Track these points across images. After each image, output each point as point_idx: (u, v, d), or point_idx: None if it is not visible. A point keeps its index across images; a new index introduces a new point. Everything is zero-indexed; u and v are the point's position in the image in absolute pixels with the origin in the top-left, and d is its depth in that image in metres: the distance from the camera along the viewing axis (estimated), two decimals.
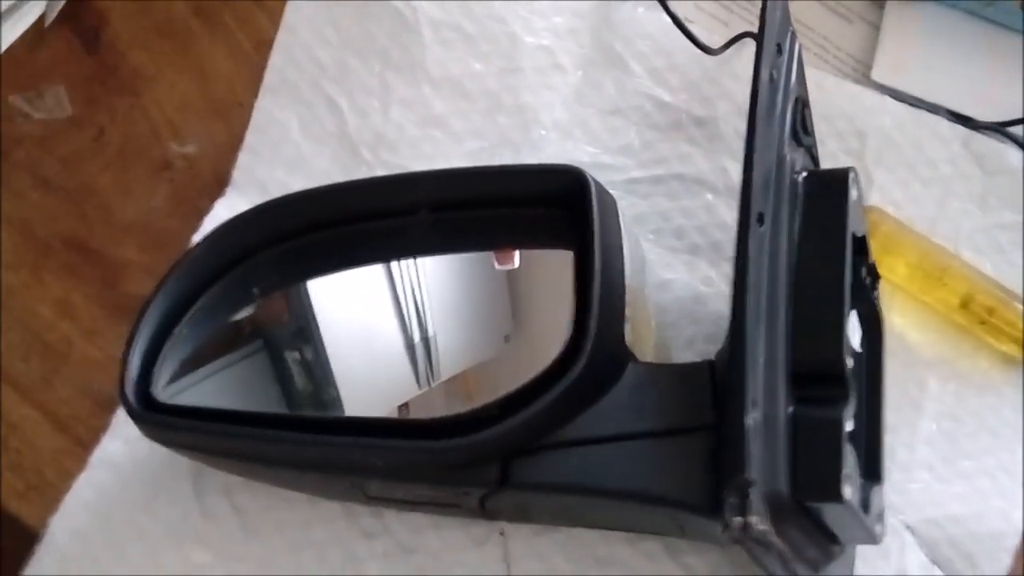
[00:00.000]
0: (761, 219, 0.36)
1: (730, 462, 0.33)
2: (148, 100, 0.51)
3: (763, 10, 0.37)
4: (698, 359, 0.45)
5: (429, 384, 0.42)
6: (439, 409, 0.42)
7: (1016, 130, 0.50)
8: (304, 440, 0.36)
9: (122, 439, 0.45)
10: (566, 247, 0.40)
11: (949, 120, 0.49)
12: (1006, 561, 0.44)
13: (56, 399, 0.47)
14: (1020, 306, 0.46)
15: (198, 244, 0.42)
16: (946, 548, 0.45)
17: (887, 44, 0.51)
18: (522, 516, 0.41)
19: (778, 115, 0.38)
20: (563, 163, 0.41)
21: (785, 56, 0.38)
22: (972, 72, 0.51)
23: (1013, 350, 0.46)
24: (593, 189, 0.39)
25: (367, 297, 0.44)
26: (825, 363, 0.35)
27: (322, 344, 0.42)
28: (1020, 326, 0.46)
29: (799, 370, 0.35)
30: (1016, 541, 0.44)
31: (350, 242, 0.43)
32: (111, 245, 0.49)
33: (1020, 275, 0.48)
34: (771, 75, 0.37)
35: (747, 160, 0.35)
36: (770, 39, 0.37)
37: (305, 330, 0.43)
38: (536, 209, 0.42)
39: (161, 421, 0.37)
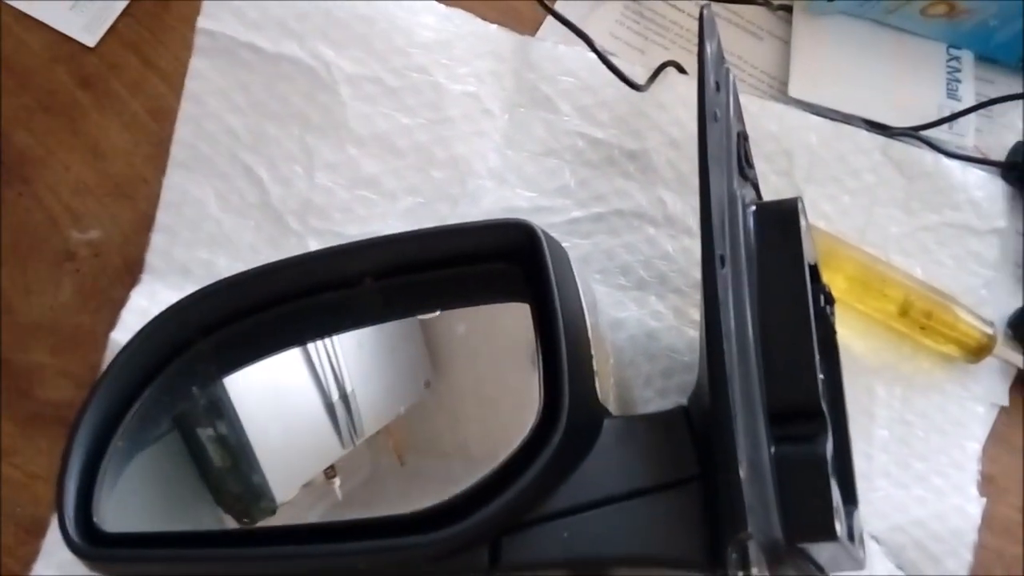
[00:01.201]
0: (723, 261, 0.35)
1: (727, 517, 0.32)
2: (40, 186, 0.47)
3: (700, 51, 0.37)
4: (659, 398, 0.46)
5: (353, 442, 0.40)
6: (366, 466, 0.40)
7: (930, 133, 0.51)
8: (279, 555, 0.33)
9: (55, 566, 0.41)
10: (520, 300, 0.39)
11: (867, 130, 0.51)
12: (967, 557, 0.46)
13: None
14: (955, 307, 0.47)
15: (126, 346, 0.38)
16: (911, 552, 0.46)
17: (799, 59, 0.52)
18: None
19: (725, 154, 0.37)
20: (508, 217, 0.40)
21: (723, 92, 0.38)
22: (883, 79, 0.52)
23: (952, 350, 0.48)
24: (544, 243, 0.38)
25: (279, 361, 0.41)
26: (802, 401, 0.35)
27: (236, 416, 0.40)
28: (958, 327, 0.47)
29: (775, 410, 0.35)
30: (974, 536, 0.46)
31: (293, 321, 0.41)
32: (17, 350, 0.45)
33: (948, 274, 0.50)
34: (715, 114, 0.37)
35: (703, 204, 0.35)
36: (710, 78, 0.37)
37: (217, 403, 0.40)
38: (485, 265, 0.40)
39: (113, 556, 0.34)
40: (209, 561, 0.34)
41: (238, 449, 0.39)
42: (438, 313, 0.41)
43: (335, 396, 0.40)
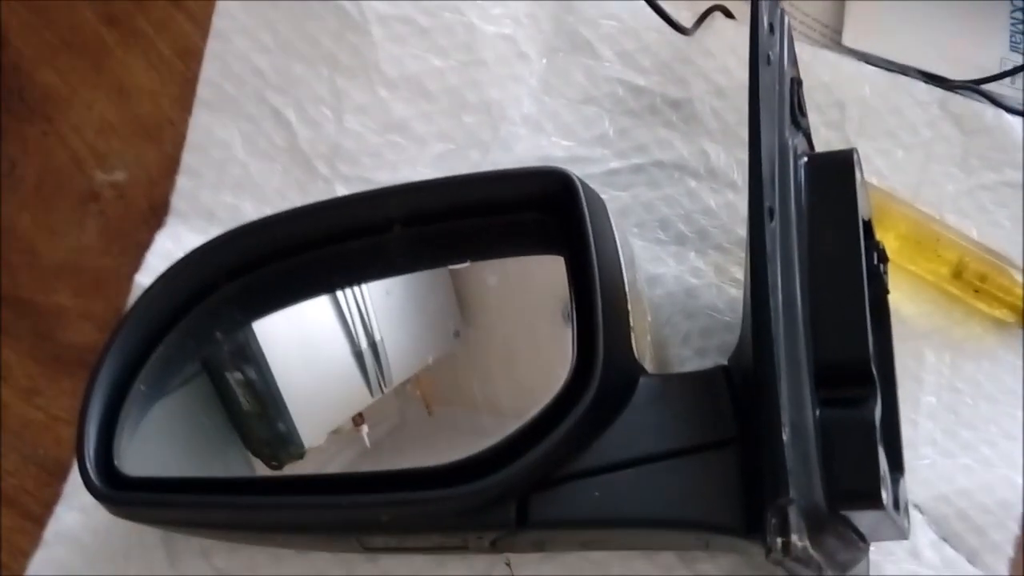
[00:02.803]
0: (772, 214, 0.33)
1: (768, 481, 0.31)
2: (63, 125, 0.46)
3: None
4: (697, 358, 0.44)
5: (382, 390, 0.40)
6: (394, 415, 0.40)
7: (991, 87, 0.49)
8: (302, 504, 0.33)
9: (78, 508, 0.41)
10: (555, 253, 0.38)
11: (924, 82, 0.48)
12: (1014, 530, 0.44)
13: None
14: (1012, 270, 0.45)
15: (149, 288, 0.38)
16: (955, 523, 0.44)
17: (854, 7, 0.49)
18: (536, 548, 0.39)
19: (776, 100, 0.35)
20: (544, 165, 0.38)
21: (777, 35, 0.36)
22: (942, 31, 0.49)
23: (1007, 315, 0.46)
24: (581, 192, 0.36)
25: (309, 307, 0.41)
26: (851, 362, 0.34)
27: (265, 361, 0.39)
28: (1014, 291, 0.45)
29: (823, 371, 0.34)
30: (1022, 509, 0.44)
31: (320, 267, 0.40)
32: (41, 292, 0.44)
33: (1005, 236, 0.47)
34: (768, 57, 0.35)
35: (753, 153, 0.33)
36: (762, 18, 0.35)
37: (246, 348, 0.40)
38: (518, 215, 0.39)
39: (133, 499, 0.34)
40: (230, 508, 0.33)
41: (267, 394, 0.39)
42: (468, 264, 0.40)
43: (364, 344, 0.40)
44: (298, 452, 0.38)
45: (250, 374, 0.39)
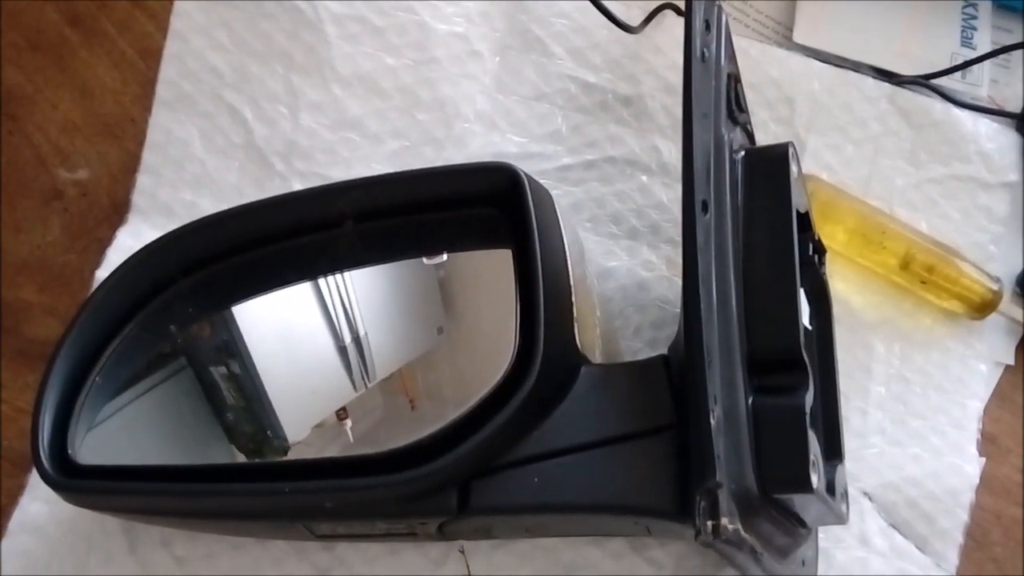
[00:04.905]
0: (705, 207, 0.34)
1: (697, 465, 0.31)
2: (28, 124, 0.46)
3: None
4: (648, 350, 0.45)
5: (365, 385, 0.40)
6: (377, 410, 0.40)
7: (941, 82, 0.49)
8: (245, 491, 0.34)
9: (43, 499, 0.42)
10: (503, 247, 0.38)
11: (874, 78, 0.49)
12: (963, 517, 0.45)
13: None
14: (959, 262, 0.46)
15: (104, 282, 0.39)
16: (904, 510, 0.45)
17: (806, 5, 0.50)
18: (483, 535, 0.40)
19: (712, 96, 0.36)
20: (492, 160, 0.39)
21: (714, 32, 0.37)
22: (894, 27, 0.50)
23: (956, 306, 0.46)
24: (527, 187, 0.37)
25: (292, 302, 0.41)
26: (782, 350, 0.34)
27: (248, 355, 0.40)
28: (961, 282, 0.46)
29: (755, 359, 0.35)
30: (971, 496, 0.45)
31: (272, 262, 0.41)
32: (5, 287, 0.45)
33: (954, 228, 0.48)
34: (702, 54, 0.35)
35: (686, 147, 0.34)
36: (697, 16, 0.35)
37: (229, 343, 0.40)
38: (467, 210, 0.40)
39: (85, 487, 0.34)
40: (176, 495, 0.34)
41: (250, 388, 0.39)
42: (445, 257, 0.40)
43: (348, 339, 0.40)
44: (282, 446, 0.39)
45: (234, 368, 0.39)
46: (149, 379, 0.39)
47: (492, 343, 0.41)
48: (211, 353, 0.40)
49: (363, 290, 0.41)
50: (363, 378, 0.40)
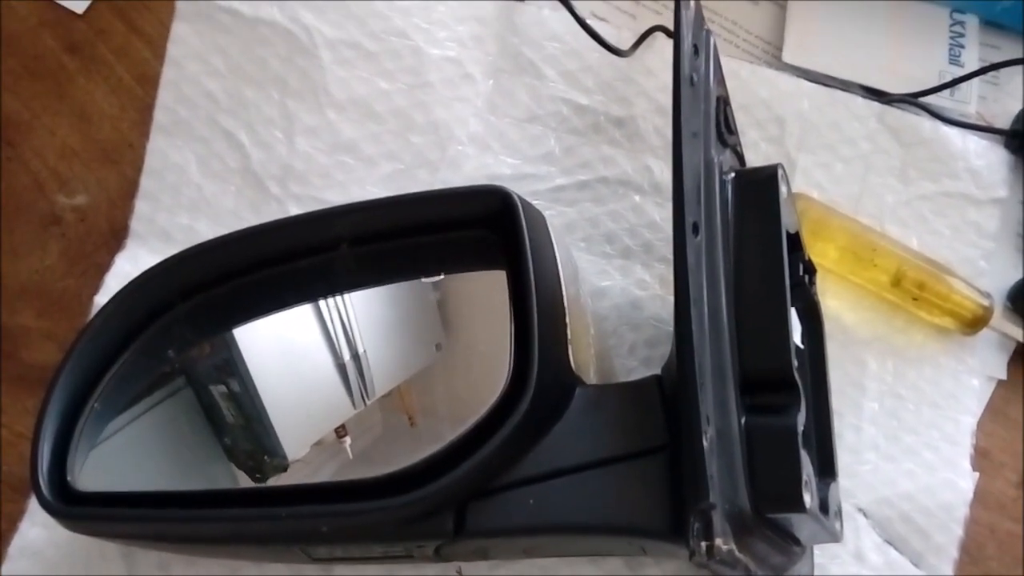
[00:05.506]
0: (696, 228, 0.34)
1: (690, 486, 0.32)
2: (26, 150, 0.47)
3: (676, 12, 0.36)
4: (643, 368, 0.45)
5: (364, 402, 0.40)
6: (377, 427, 0.40)
7: (930, 100, 0.50)
8: (241, 516, 0.34)
9: (41, 524, 0.42)
10: (497, 268, 0.38)
11: (863, 96, 0.49)
12: (957, 532, 0.45)
13: None
14: (950, 278, 0.46)
15: (103, 308, 0.39)
16: (899, 525, 0.45)
17: (794, 24, 0.51)
18: (480, 556, 0.40)
19: (702, 119, 0.37)
20: (485, 183, 0.40)
21: (703, 56, 0.37)
22: (882, 45, 0.51)
23: (948, 323, 0.47)
24: (520, 210, 0.37)
25: (291, 320, 0.42)
26: (774, 370, 0.35)
27: (248, 373, 0.40)
28: (952, 298, 0.46)
29: (748, 379, 0.35)
30: (965, 511, 0.45)
31: (270, 286, 0.41)
32: (4, 312, 0.45)
33: (945, 244, 0.48)
34: (691, 78, 0.36)
35: (676, 170, 0.34)
36: (686, 41, 0.36)
37: (229, 361, 0.41)
38: (462, 232, 0.40)
39: (84, 514, 0.35)
40: (173, 521, 0.34)
41: (250, 407, 0.40)
42: (441, 276, 0.41)
43: (347, 356, 0.40)
44: (281, 464, 0.39)
45: (234, 387, 0.40)
46: (148, 399, 0.40)
47: (490, 360, 0.41)
48: (210, 372, 0.40)
49: (362, 307, 0.41)
50: (362, 395, 0.40)
